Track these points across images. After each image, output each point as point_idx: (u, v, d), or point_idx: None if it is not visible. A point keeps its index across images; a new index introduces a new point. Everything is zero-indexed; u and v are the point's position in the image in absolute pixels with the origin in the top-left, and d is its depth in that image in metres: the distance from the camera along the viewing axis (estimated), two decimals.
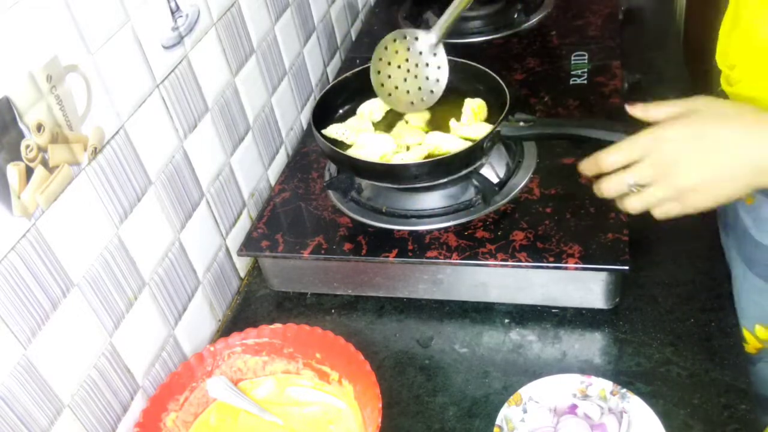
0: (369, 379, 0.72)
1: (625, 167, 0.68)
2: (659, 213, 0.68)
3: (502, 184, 0.93)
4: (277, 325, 0.81)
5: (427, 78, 0.93)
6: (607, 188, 0.70)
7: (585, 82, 1.10)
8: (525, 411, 0.72)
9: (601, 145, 0.85)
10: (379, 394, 0.70)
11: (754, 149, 0.63)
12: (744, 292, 0.83)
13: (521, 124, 0.87)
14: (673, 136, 0.66)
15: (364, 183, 0.96)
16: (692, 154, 0.65)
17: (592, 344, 0.81)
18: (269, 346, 0.81)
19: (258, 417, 0.78)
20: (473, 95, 0.98)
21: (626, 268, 0.79)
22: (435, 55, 0.93)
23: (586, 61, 1.14)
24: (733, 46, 0.71)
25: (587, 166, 0.72)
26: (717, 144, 0.64)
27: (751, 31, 0.68)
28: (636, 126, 0.78)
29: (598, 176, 0.70)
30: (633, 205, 0.69)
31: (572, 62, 1.15)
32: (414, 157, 0.90)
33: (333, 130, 0.97)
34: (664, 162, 0.66)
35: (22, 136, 0.61)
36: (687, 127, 0.66)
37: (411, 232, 0.89)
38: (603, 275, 0.81)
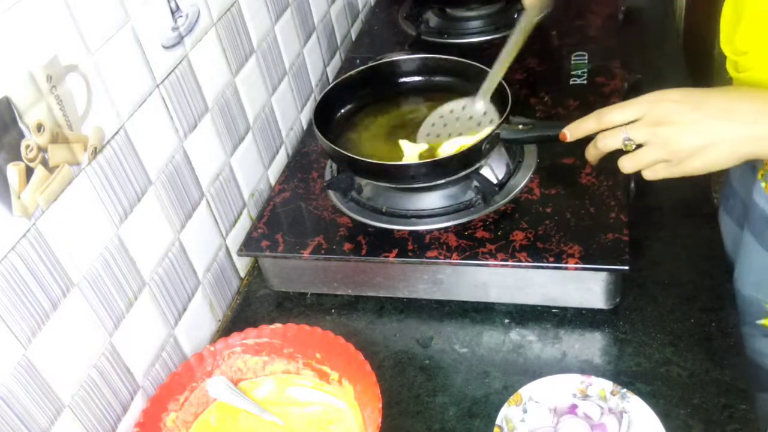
0: (369, 379, 0.72)
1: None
2: (649, 174, 0.69)
3: (502, 184, 0.93)
4: (277, 325, 0.81)
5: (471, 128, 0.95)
6: (603, 142, 0.71)
7: (585, 82, 1.10)
8: (525, 411, 0.72)
9: None
10: (379, 394, 0.70)
11: (756, 120, 0.64)
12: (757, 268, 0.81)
13: (520, 126, 0.87)
14: (674, 98, 0.67)
15: (364, 183, 0.96)
16: (691, 117, 0.65)
17: (592, 344, 0.81)
18: (269, 346, 0.81)
19: (258, 417, 0.78)
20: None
21: (626, 268, 0.79)
22: (485, 113, 0.94)
23: (586, 61, 1.14)
24: (741, 33, 0.70)
25: (589, 125, 0.73)
26: (718, 110, 0.65)
27: (761, 18, 0.68)
28: None
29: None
30: (624, 164, 0.70)
31: (572, 62, 1.15)
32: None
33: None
34: (661, 123, 0.67)
35: (22, 136, 0.61)
36: (689, 92, 0.67)
37: (411, 232, 0.89)
38: (603, 275, 0.81)
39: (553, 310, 0.86)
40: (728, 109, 0.65)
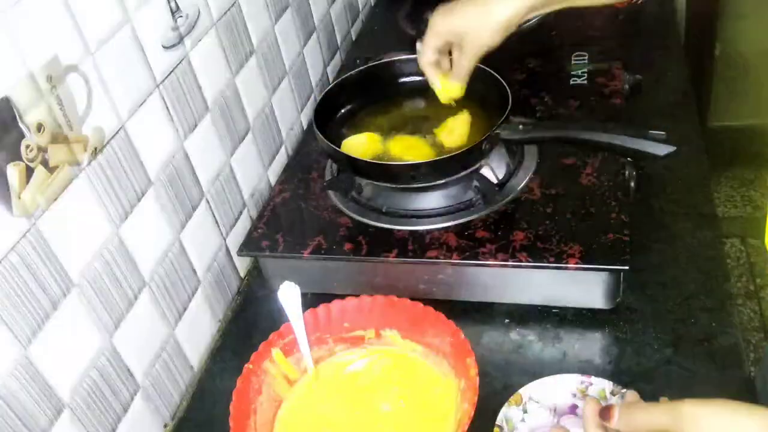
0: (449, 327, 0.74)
1: None
2: None
3: (503, 184, 0.93)
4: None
5: None
6: None
7: (585, 82, 1.10)
8: (525, 411, 0.72)
9: (600, 147, 0.86)
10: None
11: None
12: None
13: (520, 127, 0.87)
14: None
15: (364, 183, 0.96)
16: None
17: (592, 344, 0.81)
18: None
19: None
20: (474, 95, 0.98)
21: (626, 268, 0.79)
22: None
23: (586, 62, 1.14)
24: None
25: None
26: None
27: None
28: (637, 126, 0.77)
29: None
30: None
31: (572, 62, 1.15)
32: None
33: None
34: None
35: (22, 136, 0.61)
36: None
37: (411, 232, 0.89)
38: (603, 275, 0.81)
39: (553, 310, 0.86)
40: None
